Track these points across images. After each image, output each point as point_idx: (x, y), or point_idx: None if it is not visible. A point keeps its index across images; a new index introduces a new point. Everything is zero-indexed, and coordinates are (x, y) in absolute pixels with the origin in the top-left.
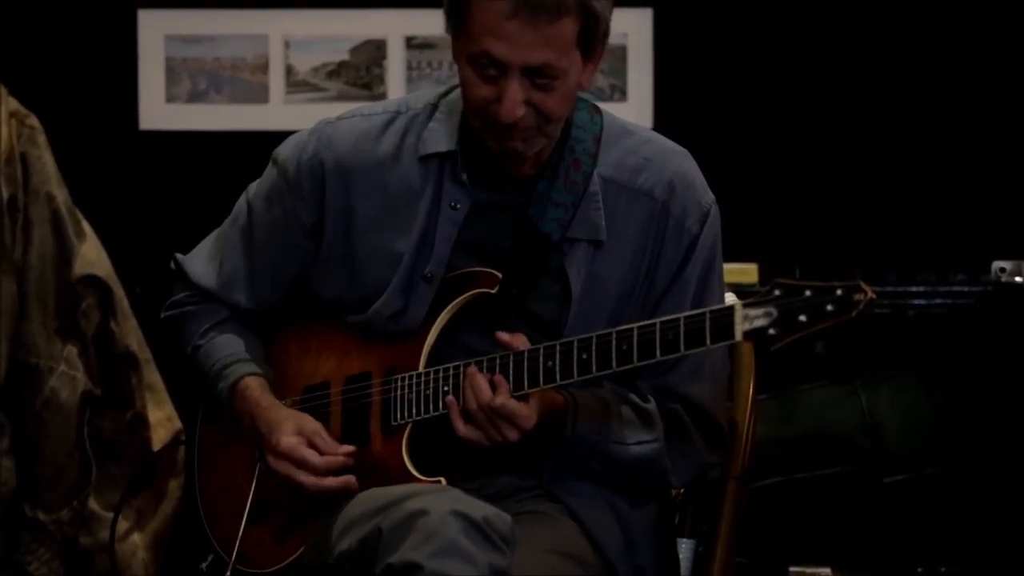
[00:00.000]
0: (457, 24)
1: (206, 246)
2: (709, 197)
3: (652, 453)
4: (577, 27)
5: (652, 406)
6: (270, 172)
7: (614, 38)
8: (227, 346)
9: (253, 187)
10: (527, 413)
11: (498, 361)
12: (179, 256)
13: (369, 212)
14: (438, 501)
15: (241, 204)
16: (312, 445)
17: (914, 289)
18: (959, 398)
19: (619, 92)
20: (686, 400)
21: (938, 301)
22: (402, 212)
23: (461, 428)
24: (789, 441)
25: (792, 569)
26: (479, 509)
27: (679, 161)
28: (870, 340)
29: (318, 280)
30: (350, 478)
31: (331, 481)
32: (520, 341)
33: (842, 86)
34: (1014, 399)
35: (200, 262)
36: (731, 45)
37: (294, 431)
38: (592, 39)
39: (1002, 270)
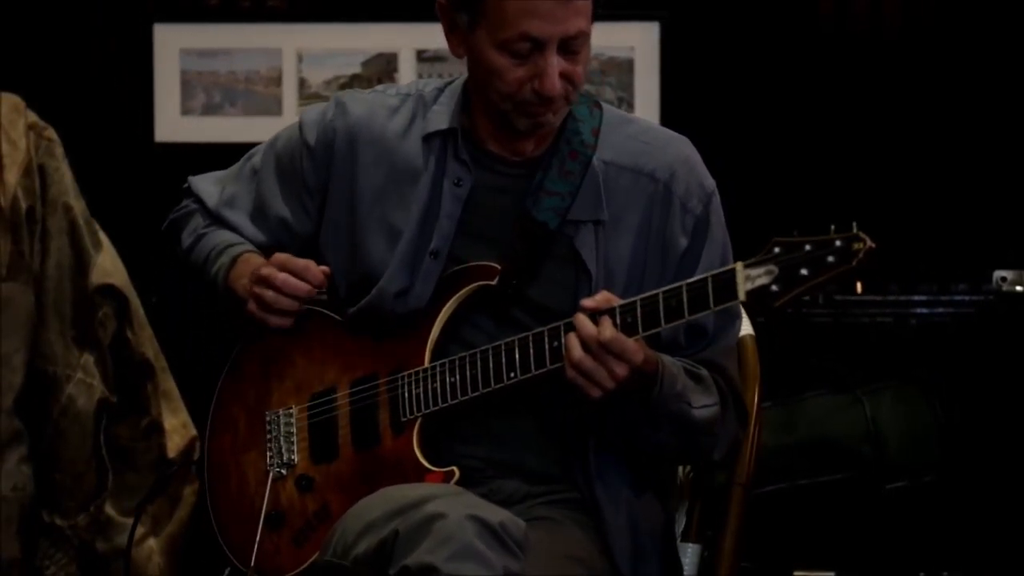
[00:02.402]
0: (475, 16)
1: (217, 173)
2: (710, 181)
3: (712, 417)
4: None
5: (705, 373)
6: (291, 129)
7: (621, 51)
8: (229, 236)
9: (273, 137)
10: (636, 347)
11: (503, 347)
12: (191, 177)
13: (373, 184)
14: (455, 505)
15: (258, 148)
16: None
17: (916, 299)
18: (960, 406)
19: (626, 104)
20: (724, 373)
21: (940, 311)
22: (405, 189)
23: (576, 354)
24: (793, 448)
25: (796, 574)
26: (495, 514)
27: (680, 145)
28: (872, 349)
29: (324, 255)
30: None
31: (296, 283)
32: (604, 299)
33: (846, 97)
34: (1014, 408)
35: (207, 183)
36: (737, 58)
37: (275, 263)
38: (597, 7)
39: (1003, 279)
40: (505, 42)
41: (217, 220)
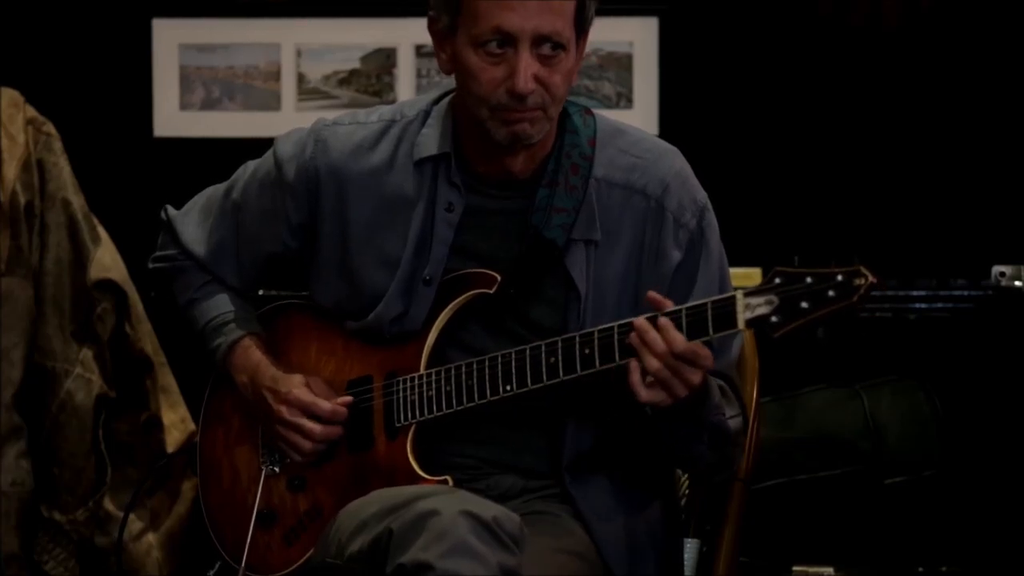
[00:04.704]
0: (454, 15)
1: (196, 208)
2: (703, 194)
3: (740, 428)
4: (574, 3)
5: (723, 383)
6: (267, 161)
7: (620, 46)
8: (224, 304)
9: (252, 166)
10: (706, 351)
11: (500, 359)
12: (170, 211)
13: (364, 219)
14: (448, 502)
15: (237, 179)
16: (317, 396)
17: (915, 294)
18: (958, 401)
19: (625, 100)
20: (733, 384)
21: (939, 306)
22: (398, 218)
23: (643, 393)
24: (792, 443)
25: (796, 568)
26: (488, 509)
27: (671, 159)
28: (871, 344)
29: (317, 288)
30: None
31: (336, 429)
32: (664, 301)
33: (844, 93)
34: (1012, 402)
35: (191, 226)
36: (736, 53)
37: (302, 382)
38: (583, 21)
39: (1002, 274)
40: (478, 38)
41: (208, 273)
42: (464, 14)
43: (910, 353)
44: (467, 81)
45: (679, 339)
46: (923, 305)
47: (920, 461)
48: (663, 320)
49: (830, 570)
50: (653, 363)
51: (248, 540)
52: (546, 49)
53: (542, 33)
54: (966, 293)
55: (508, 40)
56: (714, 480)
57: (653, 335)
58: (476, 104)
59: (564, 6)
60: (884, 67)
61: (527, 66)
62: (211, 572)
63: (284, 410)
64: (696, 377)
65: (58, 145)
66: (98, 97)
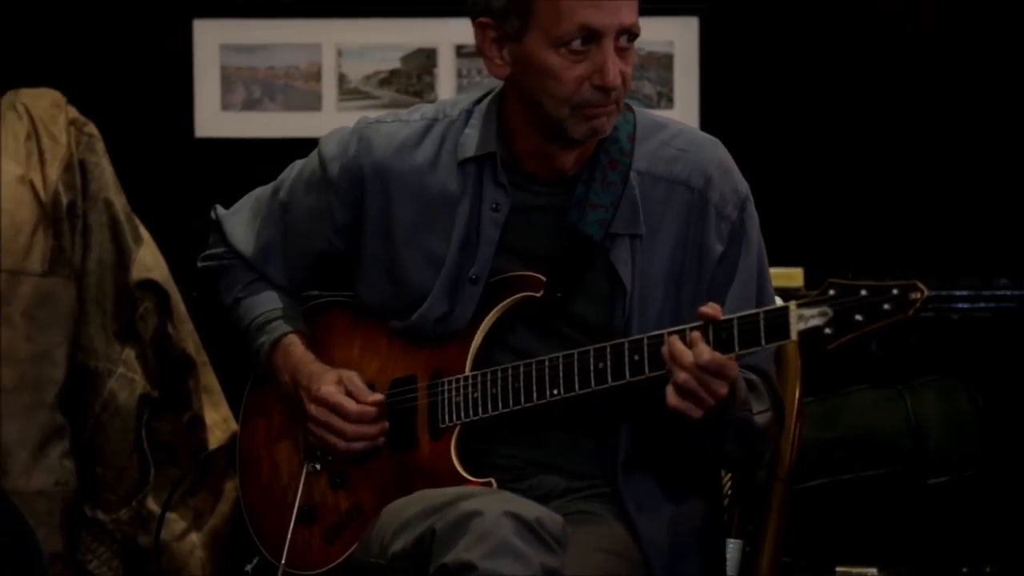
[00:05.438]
0: (526, 19)
1: (245, 208)
2: (744, 185)
3: (768, 423)
4: None
5: (754, 378)
6: (312, 160)
7: (661, 46)
8: (268, 302)
9: (298, 165)
10: (732, 363)
11: (547, 363)
12: (220, 211)
13: (408, 217)
14: (491, 502)
15: (284, 179)
16: (349, 393)
17: (957, 294)
18: (1001, 401)
19: (666, 99)
20: (768, 377)
21: (981, 305)
22: (442, 217)
23: (673, 401)
24: (834, 443)
25: (839, 569)
26: (532, 510)
27: (713, 150)
28: (914, 344)
29: (362, 287)
30: (384, 424)
31: (367, 428)
32: (715, 311)
33: (886, 91)
34: None
35: (239, 226)
36: (777, 52)
37: (335, 380)
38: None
39: None
40: (562, 38)
41: (255, 272)
42: (539, 15)
43: (953, 353)
44: (545, 82)
45: (705, 351)
46: (966, 305)
47: (963, 461)
48: (693, 334)
49: (873, 570)
50: (681, 375)
51: (288, 537)
52: (623, 41)
53: (624, 25)
54: (1009, 293)
55: (592, 36)
56: (750, 477)
57: (680, 347)
58: (556, 104)
59: None
60: (926, 65)
61: (614, 60)
62: (249, 567)
63: (314, 409)
64: (723, 389)
65: (100, 146)
66: (140, 98)
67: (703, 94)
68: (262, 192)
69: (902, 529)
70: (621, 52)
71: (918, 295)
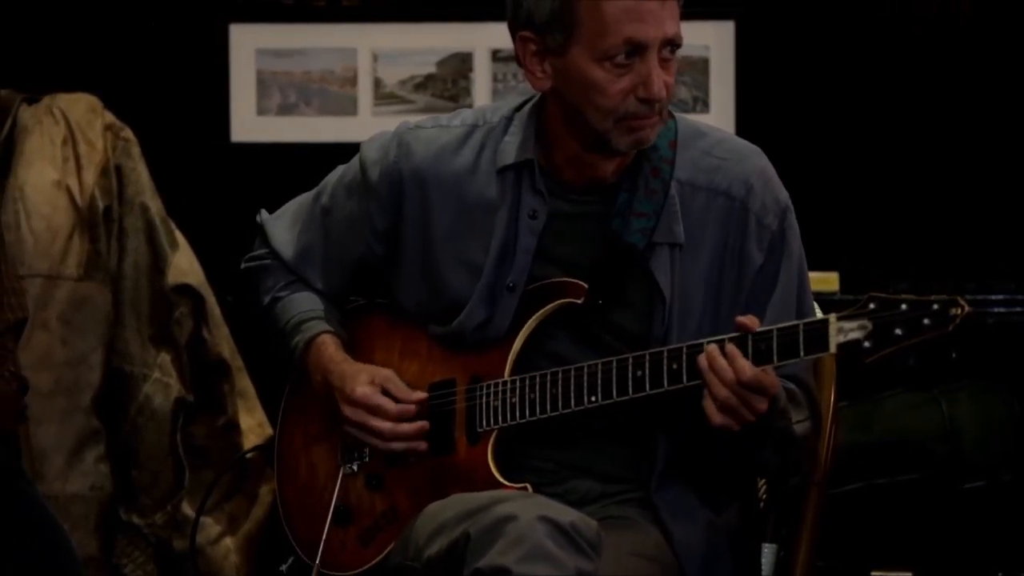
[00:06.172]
0: (569, 33)
1: (288, 211)
2: (785, 195)
3: (806, 432)
4: (677, 1)
5: (793, 387)
6: (353, 165)
7: (696, 50)
8: (306, 302)
9: (340, 171)
10: (772, 380)
11: (586, 370)
12: (264, 214)
13: (446, 223)
14: (526, 507)
15: (327, 184)
16: (386, 392)
17: (993, 297)
18: None
19: (702, 104)
20: (807, 387)
21: (1017, 309)
22: (480, 224)
23: (716, 418)
24: (870, 447)
25: (874, 573)
26: (566, 515)
27: (754, 159)
28: (949, 348)
29: (401, 291)
30: (424, 424)
31: (406, 427)
32: (752, 322)
33: (921, 96)
34: None
35: (281, 229)
36: (813, 56)
37: (368, 380)
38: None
39: None
40: (607, 52)
41: (294, 274)
42: (584, 29)
43: (988, 356)
44: (589, 95)
45: (747, 368)
46: (1002, 308)
47: (999, 465)
48: (730, 347)
49: (908, 575)
50: (721, 391)
51: (323, 537)
52: (666, 52)
53: (668, 37)
54: None
55: (637, 49)
56: (785, 483)
57: (721, 362)
58: (601, 117)
59: (675, 7)
60: (961, 67)
61: (658, 72)
62: (283, 567)
63: (348, 410)
64: (763, 405)
65: (136, 150)
66: (176, 102)
67: (739, 98)
68: (306, 196)
69: (937, 533)
70: (664, 63)
71: (958, 311)
